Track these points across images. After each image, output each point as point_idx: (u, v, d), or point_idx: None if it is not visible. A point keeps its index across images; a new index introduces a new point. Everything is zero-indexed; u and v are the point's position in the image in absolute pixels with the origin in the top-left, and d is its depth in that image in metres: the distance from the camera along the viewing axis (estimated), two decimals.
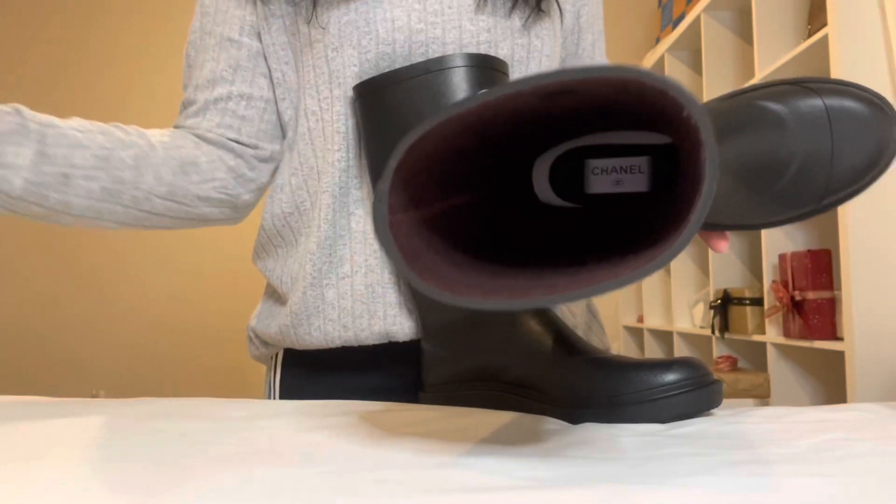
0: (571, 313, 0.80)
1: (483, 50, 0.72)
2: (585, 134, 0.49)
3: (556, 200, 0.52)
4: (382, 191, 0.39)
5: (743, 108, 0.50)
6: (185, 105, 0.79)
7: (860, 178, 0.51)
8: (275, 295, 0.81)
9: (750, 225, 0.54)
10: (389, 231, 0.39)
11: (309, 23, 0.73)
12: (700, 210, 0.33)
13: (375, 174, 0.68)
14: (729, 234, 0.57)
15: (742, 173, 0.49)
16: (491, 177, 0.49)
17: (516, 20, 0.74)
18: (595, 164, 0.50)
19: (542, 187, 0.53)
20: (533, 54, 0.75)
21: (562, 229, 0.52)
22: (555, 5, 0.78)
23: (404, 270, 0.39)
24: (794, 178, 0.50)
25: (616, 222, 0.51)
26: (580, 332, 0.82)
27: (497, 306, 0.36)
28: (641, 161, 0.49)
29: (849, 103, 0.49)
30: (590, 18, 0.84)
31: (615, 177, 0.50)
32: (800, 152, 0.49)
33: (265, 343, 0.82)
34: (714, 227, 0.54)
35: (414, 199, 0.41)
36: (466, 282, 0.40)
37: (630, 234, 0.49)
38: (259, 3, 0.75)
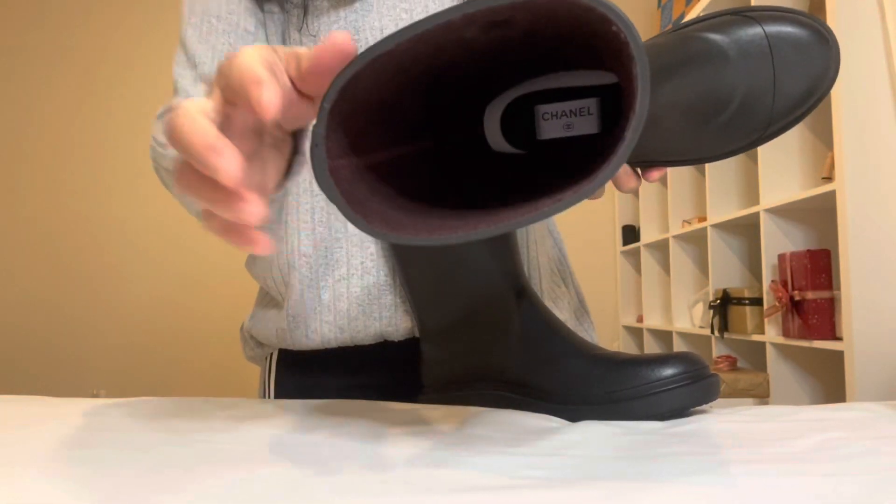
0: (558, 308, 0.80)
1: None
2: (535, 77, 0.49)
3: (508, 148, 0.52)
4: (318, 134, 0.37)
5: (684, 40, 0.50)
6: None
7: (801, 104, 0.51)
8: (267, 297, 0.81)
9: (693, 159, 0.54)
10: (329, 175, 0.38)
11: (300, 30, 0.73)
12: (634, 127, 0.34)
13: None
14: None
15: (686, 107, 0.49)
16: (443, 124, 0.48)
17: None
18: (545, 109, 0.49)
19: (494, 135, 0.52)
20: None
21: (517, 176, 0.51)
22: None
23: (348, 214, 0.37)
24: (737, 110, 0.50)
25: (568, 166, 0.51)
26: (570, 325, 0.82)
27: (442, 241, 0.36)
28: (590, 103, 0.49)
29: (789, 29, 0.49)
30: None
31: (565, 121, 0.49)
32: (742, 83, 0.49)
33: (260, 344, 0.82)
34: (662, 163, 0.53)
35: (355, 146, 0.40)
36: (415, 224, 0.39)
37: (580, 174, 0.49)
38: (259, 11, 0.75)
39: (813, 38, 0.49)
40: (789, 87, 0.50)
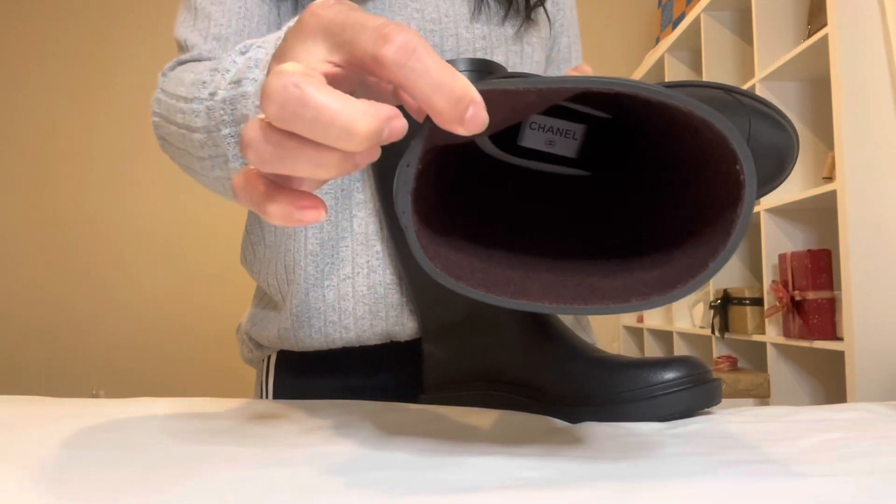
0: None
1: (479, 57, 0.73)
2: None
3: (494, 151, 0.52)
4: (415, 152, 0.33)
5: None
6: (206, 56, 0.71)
7: (760, 189, 0.55)
8: (266, 297, 0.81)
9: None
10: (410, 201, 0.34)
11: None
12: (731, 246, 0.36)
13: (380, 177, 0.69)
14: None
15: None
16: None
17: (509, 28, 0.77)
18: (535, 118, 0.49)
19: (481, 136, 0.52)
20: (525, 60, 0.79)
21: (501, 185, 0.51)
22: (543, 14, 0.82)
23: (415, 248, 0.35)
24: None
25: (549, 180, 0.51)
26: (569, 325, 0.82)
27: (500, 303, 0.36)
28: (578, 128, 0.50)
29: (766, 124, 0.53)
30: (565, 23, 0.89)
31: (549, 136, 0.50)
32: None
33: (259, 345, 0.81)
34: None
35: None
36: (458, 262, 0.38)
37: (575, 199, 0.49)
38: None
39: (783, 136, 0.53)
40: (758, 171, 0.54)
